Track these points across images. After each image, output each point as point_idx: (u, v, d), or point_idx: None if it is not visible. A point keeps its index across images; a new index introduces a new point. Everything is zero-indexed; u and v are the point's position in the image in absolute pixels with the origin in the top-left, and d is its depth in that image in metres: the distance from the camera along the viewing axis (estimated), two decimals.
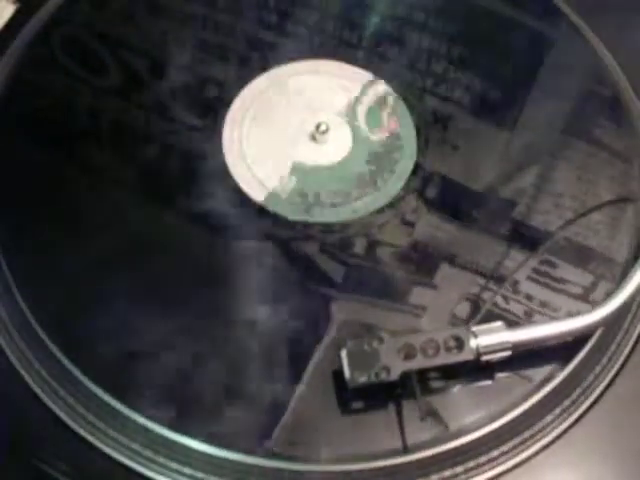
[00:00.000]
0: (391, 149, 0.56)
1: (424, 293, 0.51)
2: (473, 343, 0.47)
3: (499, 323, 0.48)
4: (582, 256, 0.53)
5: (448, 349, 0.47)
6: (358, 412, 0.47)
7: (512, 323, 0.49)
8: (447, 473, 0.46)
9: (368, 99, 0.58)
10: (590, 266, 0.53)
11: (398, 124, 0.57)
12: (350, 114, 0.58)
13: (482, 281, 0.52)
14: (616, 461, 0.48)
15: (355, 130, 0.57)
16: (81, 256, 0.51)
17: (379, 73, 0.59)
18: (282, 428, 0.46)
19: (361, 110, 0.58)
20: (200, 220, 0.53)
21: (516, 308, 0.51)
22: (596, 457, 0.48)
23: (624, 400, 0.49)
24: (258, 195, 0.54)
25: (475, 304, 0.51)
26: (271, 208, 0.54)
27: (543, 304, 0.51)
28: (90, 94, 0.58)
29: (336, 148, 0.57)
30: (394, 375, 0.46)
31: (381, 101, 0.58)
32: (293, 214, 0.54)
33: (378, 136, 0.57)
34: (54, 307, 0.49)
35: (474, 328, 0.47)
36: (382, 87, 0.59)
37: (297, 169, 0.56)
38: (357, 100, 0.58)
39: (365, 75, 0.59)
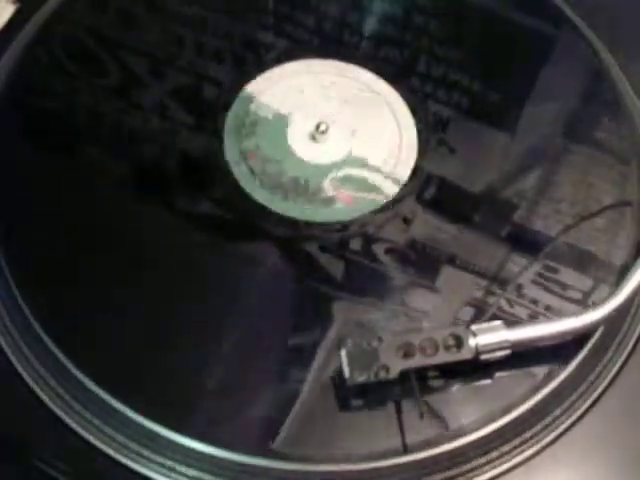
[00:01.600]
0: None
1: (426, 296, 0.51)
2: (472, 342, 0.47)
3: (498, 322, 0.48)
4: (583, 261, 0.53)
5: (447, 348, 0.46)
6: (358, 411, 0.47)
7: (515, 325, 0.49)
8: (447, 474, 0.46)
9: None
10: (591, 271, 0.52)
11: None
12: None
13: (484, 284, 0.52)
14: (617, 462, 0.48)
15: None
16: (81, 256, 0.52)
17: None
18: (283, 428, 0.46)
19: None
20: (200, 220, 0.53)
21: (521, 312, 0.51)
22: (596, 458, 0.48)
23: (625, 400, 0.49)
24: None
25: (478, 308, 0.51)
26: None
27: (548, 308, 0.51)
28: (90, 94, 0.58)
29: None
30: (393, 374, 0.46)
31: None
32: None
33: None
34: (54, 307, 0.49)
35: (473, 327, 0.47)
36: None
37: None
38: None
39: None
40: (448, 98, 0.59)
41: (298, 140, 0.57)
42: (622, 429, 0.49)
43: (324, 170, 0.56)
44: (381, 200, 0.54)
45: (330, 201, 0.54)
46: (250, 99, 0.58)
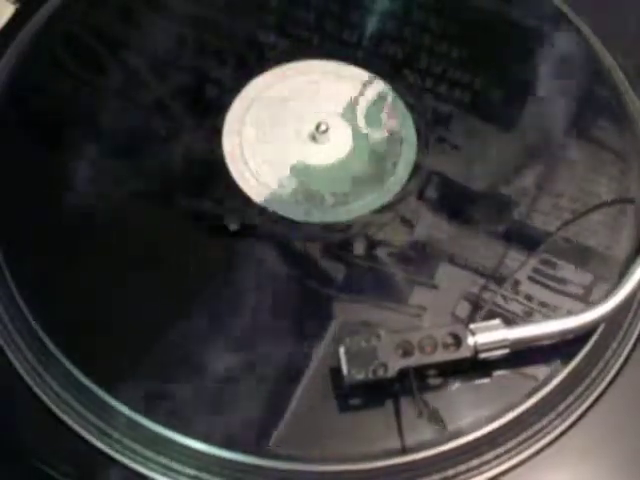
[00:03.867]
0: (391, 149, 0.56)
1: (424, 293, 0.51)
2: (471, 340, 0.47)
3: (497, 321, 0.48)
4: (582, 256, 0.53)
5: (445, 346, 0.46)
6: (357, 410, 0.47)
7: (512, 323, 0.49)
8: (446, 474, 0.46)
9: (366, 99, 0.58)
10: (590, 266, 0.52)
11: (397, 122, 0.57)
12: (349, 114, 0.58)
13: (482, 281, 0.51)
14: (616, 461, 0.48)
15: (355, 130, 0.57)
16: (81, 256, 0.52)
17: (379, 73, 0.59)
18: (282, 428, 0.46)
19: (360, 110, 0.58)
20: (200, 220, 0.53)
21: (516, 308, 0.51)
22: (596, 457, 0.48)
23: (625, 400, 0.49)
24: (258, 195, 0.54)
25: (475, 305, 0.51)
26: (271, 208, 0.54)
27: (543, 304, 0.51)
28: (90, 94, 0.58)
29: (336, 148, 0.57)
30: (391, 372, 0.46)
31: (379, 100, 0.58)
32: (293, 214, 0.54)
33: (378, 135, 0.57)
34: (54, 307, 0.49)
35: (472, 325, 0.47)
36: (380, 86, 0.59)
37: (297, 169, 0.56)
38: (355, 100, 0.58)
39: (364, 75, 0.59)
40: (448, 96, 0.59)
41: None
42: (622, 429, 0.49)
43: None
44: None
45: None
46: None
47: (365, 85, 0.59)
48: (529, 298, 0.51)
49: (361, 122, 0.58)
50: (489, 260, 0.52)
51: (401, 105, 0.58)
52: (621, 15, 0.62)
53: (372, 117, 0.58)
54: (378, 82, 0.59)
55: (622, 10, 0.62)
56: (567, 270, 0.52)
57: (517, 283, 0.52)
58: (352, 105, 0.58)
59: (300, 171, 0.56)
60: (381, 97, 0.59)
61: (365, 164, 0.56)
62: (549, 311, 0.51)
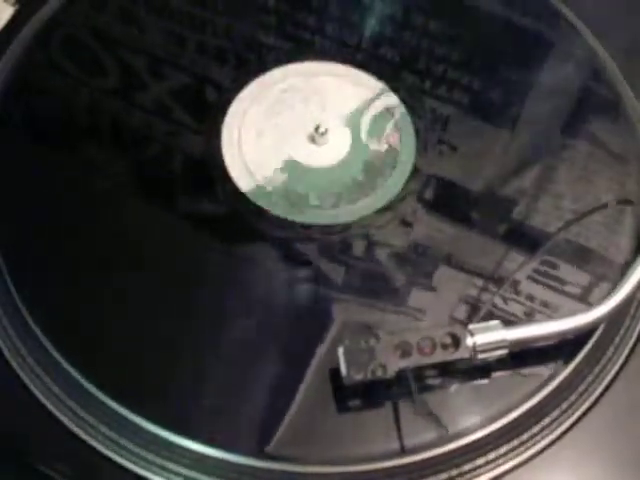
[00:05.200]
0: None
1: (423, 295, 0.51)
2: (469, 341, 0.47)
3: (496, 322, 0.48)
4: (582, 257, 0.53)
5: (444, 347, 0.46)
6: (356, 411, 0.47)
7: (512, 323, 0.49)
8: (445, 475, 0.46)
9: (375, 108, 0.58)
10: (590, 267, 0.52)
11: (398, 140, 0.57)
12: (354, 119, 0.58)
13: (481, 282, 0.51)
14: (616, 462, 0.48)
15: (354, 133, 0.57)
16: (80, 256, 0.52)
17: (378, 75, 0.59)
18: (281, 429, 0.46)
19: (365, 117, 0.58)
20: (199, 221, 0.54)
21: (517, 309, 0.51)
22: (596, 459, 0.48)
23: (624, 401, 0.49)
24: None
25: (474, 306, 0.50)
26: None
27: (544, 304, 0.51)
28: (89, 95, 0.58)
29: (335, 149, 0.57)
30: (390, 373, 0.46)
31: (387, 113, 0.58)
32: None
33: (375, 146, 0.57)
34: (53, 308, 0.49)
35: (471, 326, 0.47)
36: (393, 99, 0.59)
37: (296, 170, 0.56)
38: (358, 105, 0.58)
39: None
40: (447, 97, 0.59)
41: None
42: (622, 429, 0.49)
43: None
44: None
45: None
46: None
47: (378, 95, 0.59)
48: (530, 299, 0.51)
49: (363, 130, 0.58)
50: (488, 261, 0.52)
51: (400, 107, 0.58)
52: (621, 15, 0.62)
53: (375, 127, 0.58)
54: (391, 95, 0.59)
55: (622, 10, 0.63)
56: (567, 271, 0.52)
57: (517, 284, 0.51)
58: (353, 108, 0.58)
59: (299, 172, 0.56)
60: (390, 111, 0.59)
61: (365, 164, 0.56)
62: (549, 311, 0.51)
